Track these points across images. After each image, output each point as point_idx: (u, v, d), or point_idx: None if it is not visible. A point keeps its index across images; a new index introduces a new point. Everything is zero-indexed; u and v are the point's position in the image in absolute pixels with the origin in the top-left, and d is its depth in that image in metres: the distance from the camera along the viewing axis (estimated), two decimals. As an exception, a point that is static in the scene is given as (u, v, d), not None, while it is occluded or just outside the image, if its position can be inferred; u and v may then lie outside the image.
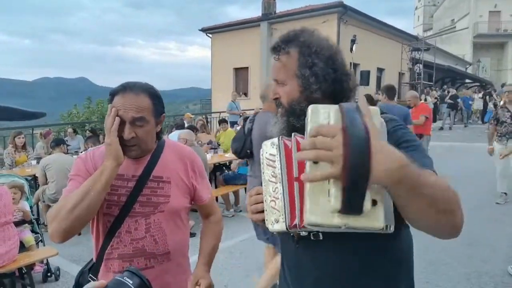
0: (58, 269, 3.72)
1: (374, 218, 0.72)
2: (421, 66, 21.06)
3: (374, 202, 0.72)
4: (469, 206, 4.44)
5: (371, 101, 5.59)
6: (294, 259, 1.10)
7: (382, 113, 1.05)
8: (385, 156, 0.69)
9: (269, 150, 0.95)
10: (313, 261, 1.04)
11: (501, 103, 5.66)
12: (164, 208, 1.39)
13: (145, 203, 1.36)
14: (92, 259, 1.48)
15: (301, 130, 0.91)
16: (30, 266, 3.31)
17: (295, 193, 0.88)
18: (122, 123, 1.25)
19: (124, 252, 1.35)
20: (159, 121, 1.36)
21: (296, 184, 0.88)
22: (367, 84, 15.65)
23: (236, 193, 5.90)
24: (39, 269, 3.65)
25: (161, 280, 1.39)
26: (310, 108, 0.79)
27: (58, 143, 5.33)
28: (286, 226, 0.90)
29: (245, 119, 3.43)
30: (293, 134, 0.92)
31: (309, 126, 0.77)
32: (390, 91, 5.49)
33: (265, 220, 0.97)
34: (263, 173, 0.97)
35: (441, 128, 15.41)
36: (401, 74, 22.03)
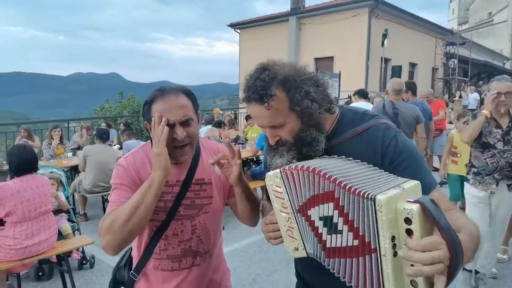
0: (93, 257, 3.87)
1: None
2: (455, 61, 20.28)
3: None
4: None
5: (364, 96, 5.66)
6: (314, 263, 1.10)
7: (376, 115, 1.15)
8: (466, 252, 0.81)
9: (274, 182, 1.01)
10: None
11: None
12: (208, 209, 1.40)
13: (189, 205, 1.38)
14: (126, 254, 1.51)
15: (312, 157, 1.07)
16: (68, 253, 3.45)
17: (305, 223, 0.99)
18: (171, 127, 1.23)
19: (173, 253, 1.39)
20: (197, 118, 1.35)
21: (305, 214, 0.99)
22: (399, 79, 15.25)
23: (264, 188, 5.90)
24: (76, 256, 3.81)
25: (206, 278, 1.46)
26: (384, 204, 0.79)
27: (104, 138, 5.53)
28: (306, 253, 1.04)
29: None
30: (291, 165, 0.98)
31: (386, 229, 0.80)
32: (415, 87, 5.33)
33: (285, 246, 1.07)
34: (273, 202, 1.04)
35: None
36: (434, 69, 21.29)
